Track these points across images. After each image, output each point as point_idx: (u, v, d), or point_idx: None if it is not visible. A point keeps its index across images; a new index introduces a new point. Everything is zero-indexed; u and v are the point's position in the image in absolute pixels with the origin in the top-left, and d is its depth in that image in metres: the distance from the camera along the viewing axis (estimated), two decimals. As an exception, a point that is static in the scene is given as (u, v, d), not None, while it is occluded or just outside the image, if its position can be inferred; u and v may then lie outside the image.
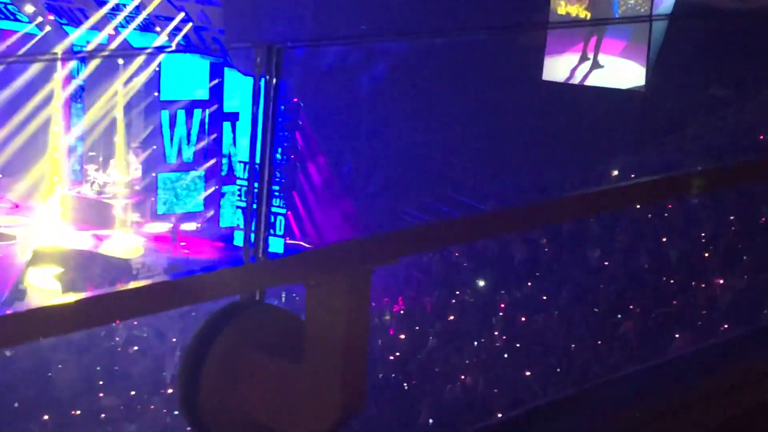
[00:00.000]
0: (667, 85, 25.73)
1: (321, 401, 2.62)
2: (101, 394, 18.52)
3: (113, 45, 28.91)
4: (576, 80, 24.29)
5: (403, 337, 19.66)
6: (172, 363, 18.69)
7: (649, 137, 26.25)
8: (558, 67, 24.96)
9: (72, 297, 2.30)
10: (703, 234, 20.05)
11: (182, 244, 28.36)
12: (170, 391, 17.74)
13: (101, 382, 18.95)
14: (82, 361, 19.59)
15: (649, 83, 25.18)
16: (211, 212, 29.38)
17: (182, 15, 27.48)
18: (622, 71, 23.93)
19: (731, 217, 20.20)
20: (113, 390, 18.69)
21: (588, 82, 24.35)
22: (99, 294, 2.32)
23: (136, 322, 20.35)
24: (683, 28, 25.73)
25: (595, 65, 24.09)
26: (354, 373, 2.64)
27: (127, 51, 28.82)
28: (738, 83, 25.78)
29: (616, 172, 24.51)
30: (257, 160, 2.72)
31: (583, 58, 24.31)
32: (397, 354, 18.73)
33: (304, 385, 2.64)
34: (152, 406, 18.03)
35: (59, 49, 29.09)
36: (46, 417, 17.70)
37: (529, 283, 20.37)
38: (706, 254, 19.24)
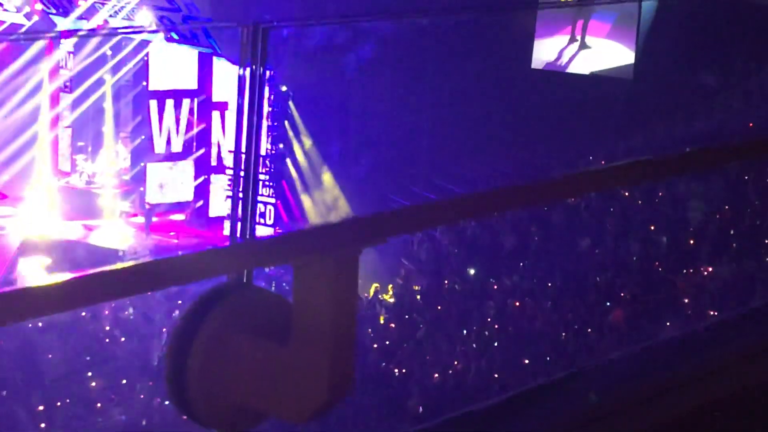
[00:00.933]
0: (655, 69, 25.88)
1: (308, 384, 2.60)
2: (88, 377, 18.48)
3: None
4: (564, 60, 25.02)
5: (393, 325, 19.69)
6: (159, 346, 18.66)
7: (637, 123, 26.31)
8: (547, 49, 25.62)
9: (56, 277, 2.27)
10: (691, 221, 20.09)
11: (171, 233, 28.34)
12: (157, 373, 17.69)
13: (87, 366, 18.92)
14: (68, 343, 19.57)
15: (638, 66, 25.49)
16: (201, 202, 29.33)
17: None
18: (608, 52, 24.69)
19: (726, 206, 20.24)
20: (99, 373, 18.66)
21: (576, 62, 25.08)
22: (83, 274, 2.29)
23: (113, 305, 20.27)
24: (672, 11, 25.87)
25: (583, 46, 24.83)
26: (342, 356, 2.61)
27: (114, 31, 28.72)
28: (727, 69, 25.88)
29: (603, 161, 24.54)
30: (243, 138, 2.70)
31: (572, 40, 25.05)
32: (387, 342, 18.75)
33: (291, 367, 2.62)
34: (138, 389, 17.99)
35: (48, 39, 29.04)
36: (33, 400, 17.67)
37: (521, 265, 20.39)
38: (692, 241, 19.27)
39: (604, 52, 24.89)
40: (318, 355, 2.58)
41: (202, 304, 2.67)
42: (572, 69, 25.86)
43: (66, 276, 2.25)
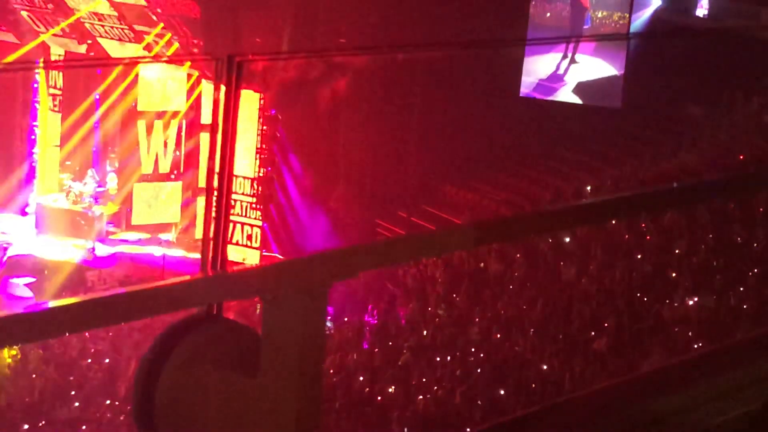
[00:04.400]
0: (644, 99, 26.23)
1: (276, 416, 2.60)
2: (56, 406, 18.28)
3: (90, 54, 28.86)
4: (560, 71, 27.59)
5: (376, 350, 19.65)
6: (127, 376, 18.45)
7: (625, 152, 26.46)
8: (543, 64, 27.76)
9: (25, 308, 2.28)
10: (677, 251, 20.12)
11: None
12: (125, 403, 17.45)
13: (56, 395, 18.70)
14: (36, 372, 19.37)
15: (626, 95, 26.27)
16: (186, 223, 29.24)
17: (161, 26, 27.46)
18: (594, 66, 27.55)
19: (710, 235, 20.28)
20: (66, 402, 18.45)
21: (568, 75, 27.57)
22: (54, 305, 2.30)
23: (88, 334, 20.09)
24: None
25: (572, 61, 27.62)
26: (309, 390, 2.62)
27: (106, 60, 28.73)
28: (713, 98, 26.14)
29: (589, 187, 24.64)
30: (217, 170, 2.71)
31: (564, 56, 27.65)
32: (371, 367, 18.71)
33: (258, 400, 2.62)
34: (106, 419, 17.79)
35: (38, 58, 29.07)
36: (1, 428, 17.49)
37: (505, 296, 20.40)
38: (674, 274, 19.29)
39: (591, 66, 27.55)
40: (285, 389, 2.58)
41: (171, 335, 2.67)
42: (565, 81, 27.52)
43: (35, 307, 2.26)
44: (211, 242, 2.72)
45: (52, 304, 2.28)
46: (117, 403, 18.23)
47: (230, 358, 2.70)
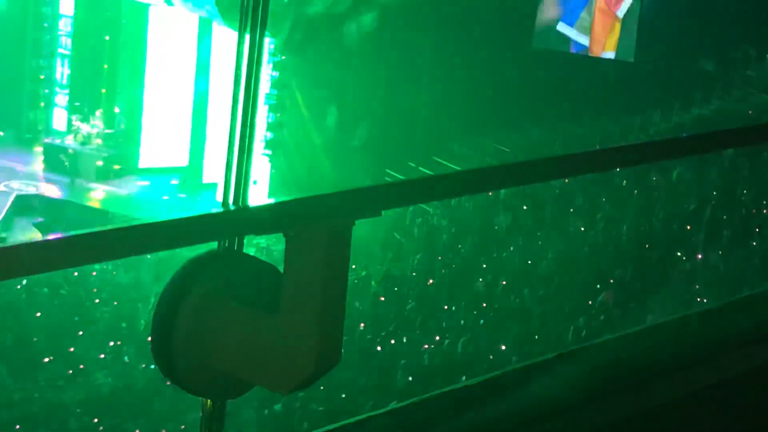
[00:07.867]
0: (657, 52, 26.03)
1: (296, 354, 2.58)
2: (74, 338, 18.40)
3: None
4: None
5: (383, 299, 19.69)
6: (146, 310, 18.56)
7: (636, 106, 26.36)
8: (554, 13, 27.45)
9: (44, 238, 2.25)
10: (685, 207, 20.09)
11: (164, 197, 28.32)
12: (143, 338, 17.55)
13: (74, 327, 18.82)
14: (53, 306, 19.50)
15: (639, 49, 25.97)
16: (195, 166, 29.27)
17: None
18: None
19: (714, 192, 20.26)
20: (86, 335, 18.57)
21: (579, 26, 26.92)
22: (71, 235, 2.26)
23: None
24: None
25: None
26: (330, 327, 2.59)
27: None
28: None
29: (598, 144, 24.56)
30: (240, 103, 2.66)
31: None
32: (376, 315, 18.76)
33: (278, 337, 2.59)
34: (124, 353, 17.90)
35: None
36: (17, 359, 17.61)
37: (511, 248, 20.41)
38: (688, 227, 19.28)
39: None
40: (306, 326, 2.56)
41: (190, 269, 2.63)
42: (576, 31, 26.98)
43: (54, 237, 2.23)
44: (233, 174, 2.68)
45: (74, 234, 2.24)
46: (119, 343, 18.31)
47: (250, 294, 2.66)
